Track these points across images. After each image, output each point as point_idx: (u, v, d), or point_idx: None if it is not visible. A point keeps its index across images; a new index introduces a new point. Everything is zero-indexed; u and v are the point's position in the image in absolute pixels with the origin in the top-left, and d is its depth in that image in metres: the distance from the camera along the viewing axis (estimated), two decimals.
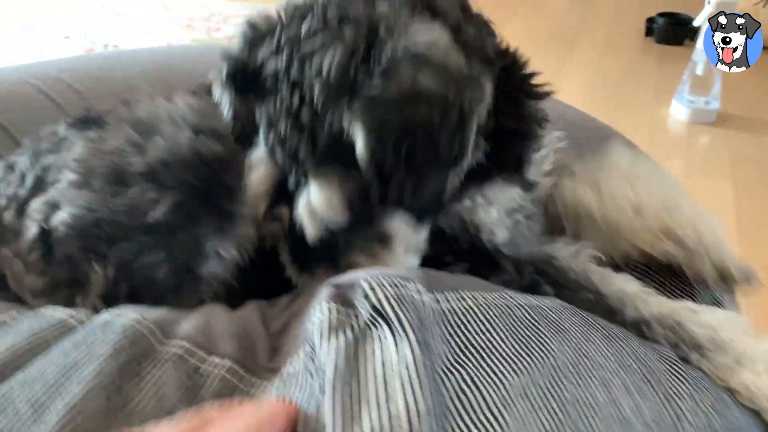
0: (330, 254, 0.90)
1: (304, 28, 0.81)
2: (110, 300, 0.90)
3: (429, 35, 0.80)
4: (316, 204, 0.84)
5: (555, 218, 1.13)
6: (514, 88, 0.98)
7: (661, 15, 3.68)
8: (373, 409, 0.53)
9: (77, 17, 4.02)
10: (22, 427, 0.61)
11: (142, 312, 0.77)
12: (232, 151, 0.95)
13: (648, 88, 3.12)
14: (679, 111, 2.83)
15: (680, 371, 0.80)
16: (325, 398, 0.55)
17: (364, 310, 0.63)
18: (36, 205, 0.92)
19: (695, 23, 2.75)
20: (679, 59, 3.33)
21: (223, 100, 0.92)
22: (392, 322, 0.60)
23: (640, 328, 0.87)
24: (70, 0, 4.33)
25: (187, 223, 0.90)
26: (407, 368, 0.56)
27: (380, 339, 0.60)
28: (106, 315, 0.77)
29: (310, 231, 0.86)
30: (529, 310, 0.77)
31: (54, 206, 0.91)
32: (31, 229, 0.91)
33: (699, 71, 2.74)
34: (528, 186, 1.04)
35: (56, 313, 0.80)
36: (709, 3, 2.60)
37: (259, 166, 0.89)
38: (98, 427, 0.62)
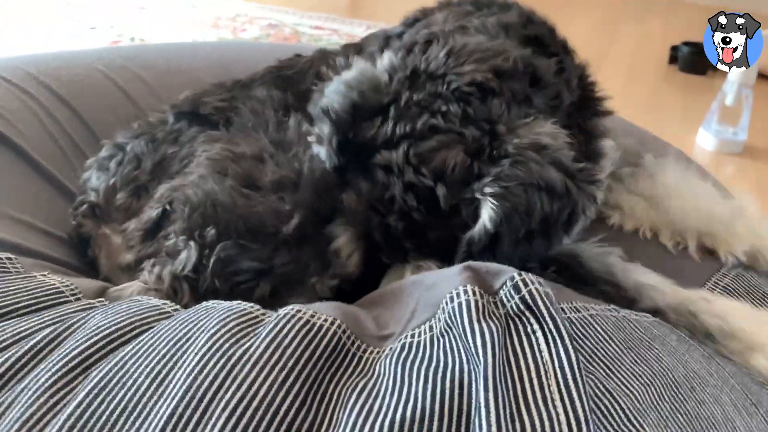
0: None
1: (420, 124, 0.81)
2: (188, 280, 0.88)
3: (548, 129, 0.83)
4: None
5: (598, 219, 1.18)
6: (586, 111, 1.02)
7: (686, 44, 3.71)
8: (533, 409, 0.53)
9: (103, 9, 4.02)
10: (143, 398, 0.60)
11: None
12: None
13: (673, 116, 3.14)
14: (705, 140, 2.85)
15: None
16: (480, 384, 0.55)
17: (511, 302, 0.63)
18: (162, 190, 0.92)
19: None
20: (703, 89, 3.37)
21: (323, 153, 0.91)
22: (544, 320, 0.60)
23: (655, 316, 0.91)
24: None
25: (299, 246, 0.89)
26: (564, 371, 0.56)
27: (529, 334, 0.60)
28: (206, 303, 0.76)
29: None
30: (636, 324, 0.77)
31: (178, 189, 0.91)
32: (153, 211, 0.91)
33: (728, 102, 2.76)
34: None
35: (151, 301, 0.79)
36: None
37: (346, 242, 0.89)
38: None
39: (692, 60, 3.62)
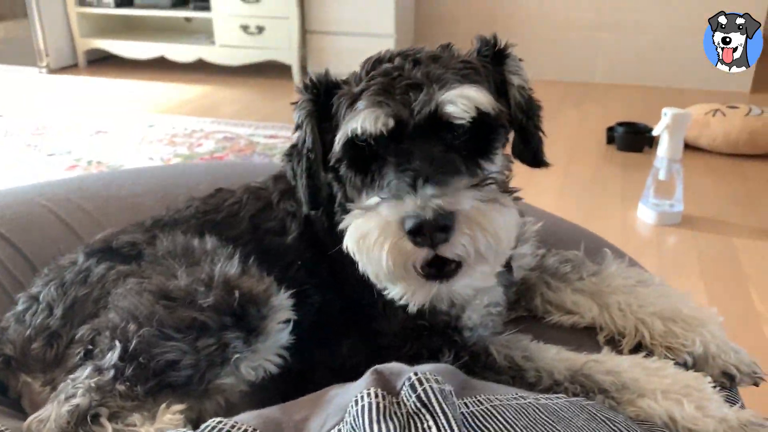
0: None
1: None
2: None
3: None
4: None
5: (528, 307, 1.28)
6: None
7: (620, 124, 3.93)
8: None
9: (61, 136, 4.14)
10: None
11: None
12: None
13: (614, 193, 3.29)
14: (645, 214, 2.98)
15: None
16: None
17: (409, 401, 0.69)
18: (82, 331, 0.98)
19: (654, 132, 2.96)
20: (640, 165, 3.54)
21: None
22: (437, 416, 0.65)
23: (554, 390, 1.00)
24: (55, 120, 4.47)
25: (220, 329, 0.95)
26: None
27: (426, 430, 0.65)
28: None
29: None
30: (541, 408, 0.82)
31: (99, 324, 0.96)
32: (76, 357, 0.96)
33: (661, 176, 2.92)
34: (511, 284, 1.20)
35: None
36: (665, 115, 2.82)
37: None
38: None
39: (628, 139, 3.83)
